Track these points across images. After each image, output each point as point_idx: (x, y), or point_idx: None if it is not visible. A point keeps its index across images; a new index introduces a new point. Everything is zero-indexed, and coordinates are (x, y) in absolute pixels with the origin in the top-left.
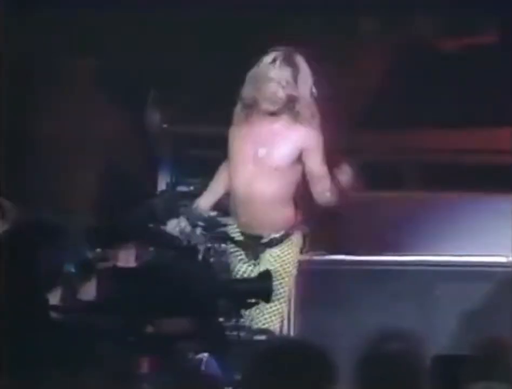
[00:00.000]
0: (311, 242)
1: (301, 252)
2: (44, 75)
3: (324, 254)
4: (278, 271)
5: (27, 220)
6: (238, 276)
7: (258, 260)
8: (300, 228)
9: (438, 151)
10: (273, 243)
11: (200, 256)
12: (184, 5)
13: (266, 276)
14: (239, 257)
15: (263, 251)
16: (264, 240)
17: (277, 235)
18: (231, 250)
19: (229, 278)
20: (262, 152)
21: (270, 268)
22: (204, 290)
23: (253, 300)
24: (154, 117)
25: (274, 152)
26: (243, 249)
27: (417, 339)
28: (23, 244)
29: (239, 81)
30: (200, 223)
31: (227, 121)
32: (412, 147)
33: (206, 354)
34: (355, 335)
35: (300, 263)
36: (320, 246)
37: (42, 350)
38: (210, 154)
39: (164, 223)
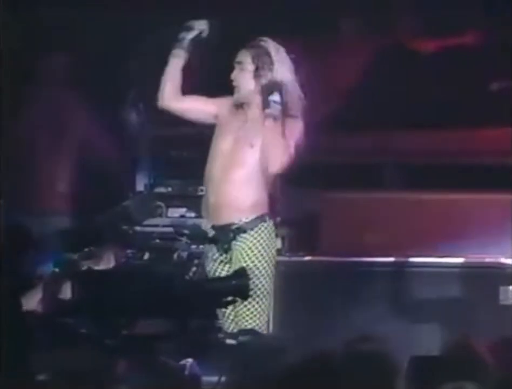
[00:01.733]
0: (293, 244)
1: (282, 253)
2: (16, 73)
3: (306, 255)
4: (253, 262)
5: (6, 222)
6: (212, 275)
7: (230, 254)
8: (271, 215)
9: (425, 151)
10: (244, 229)
11: (176, 258)
12: (170, 4)
13: (241, 273)
14: (213, 257)
15: (234, 239)
16: (235, 226)
17: (247, 220)
18: (206, 250)
19: (205, 278)
20: (239, 130)
21: (243, 261)
22: (181, 292)
23: (230, 299)
24: (134, 117)
25: (250, 128)
26: (215, 244)
27: (392, 341)
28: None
29: (221, 80)
30: (185, 231)
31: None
32: (396, 147)
33: (189, 359)
34: (335, 337)
35: (281, 264)
36: (301, 248)
37: (24, 351)
38: (190, 155)
39: (140, 225)
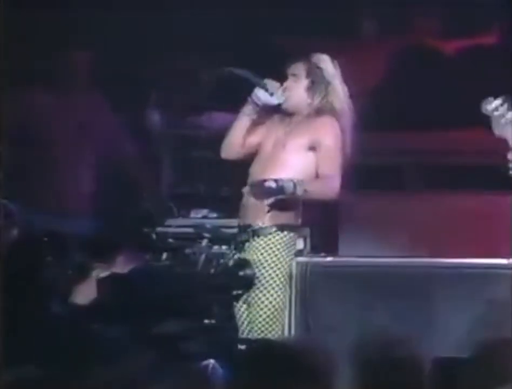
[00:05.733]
0: (313, 244)
1: (302, 254)
2: (39, 73)
3: (326, 256)
4: (265, 268)
5: (28, 227)
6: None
7: (244, 255)
8: (294, 226)
9: (440, 152)
10: (258, 233)
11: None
12: (188, 5)
13: (243, 264)
14: (233, 258)
15: (248, 241)
16: (251, 228)
17: (263, 225)
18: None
19: (211, 273)
20: (282, 133)
21: (254, 266)
22: (197, 292)
23: (237, 292)
24: (155, 118)
25: (290, 131)
26: (233, 243)
27: (417, 342)
28: (26, 252)
29: (239, 82)
30: (206, 234)
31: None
32: (413, 148)
33: (211, 360)
34: (357, 338)
35: (301, 265)
36: (321, 248)
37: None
38: (211, 156)
39: (162, 226)
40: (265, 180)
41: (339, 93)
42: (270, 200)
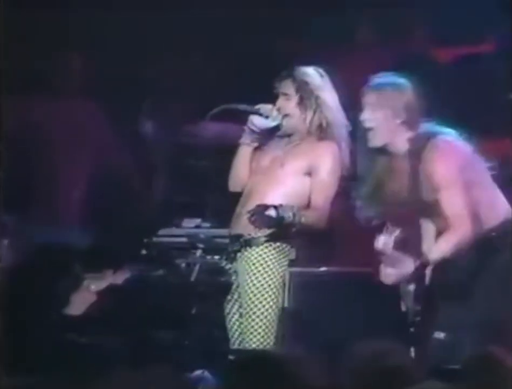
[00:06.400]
0: (304, 255)
1: (292, 264)
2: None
3: (318, 266)
4: (257, 278)
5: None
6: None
7: (235, 265)
8: (287, 236)
9: None
10: (250, 243)
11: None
12: (182, 12)
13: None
14: (225, 268)
15: (239, 251)
16: (243, 238)
17: (255, 235)
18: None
19: (199, 284)
20: (280, 151)
21: (247, 276)
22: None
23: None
24: (149, 126)
25: (288, 150)
26: (224, 253)
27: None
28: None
29: (236, 91)
30: (200, 245)
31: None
32: None
33: (202, 370)
34: (349, 348)
35: (292, 275)
36: (313, 258)
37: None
38: (205, 165)
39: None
40: (265, 207)
41: (329, 104)
42: (266, 232)
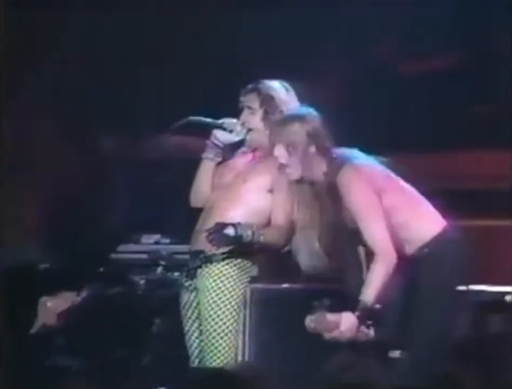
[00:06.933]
0: (264, 271)
1: (254, 280)
2: None
3: (280, 283)
4: (218, 295)
5: None
6: (182, 307)
7: (195, 282)
8: (249, 252)
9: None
10: (210, 259)
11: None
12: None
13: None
14: (185, 285)
15: (200, 267)
16: (203, 254)
17: (216, 252)
18: (178, 278)
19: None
20: (243, 167)
21: (207, 293)
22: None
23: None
24: (107, 140)
25: (251, 166)
26: (184, 270)
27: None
28: None
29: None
30: (161, 262)
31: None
32: None
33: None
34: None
35: (254, 292)
36: (273, 274)
37: None
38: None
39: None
40: (224, 226)
41: None
42: (227, 249)
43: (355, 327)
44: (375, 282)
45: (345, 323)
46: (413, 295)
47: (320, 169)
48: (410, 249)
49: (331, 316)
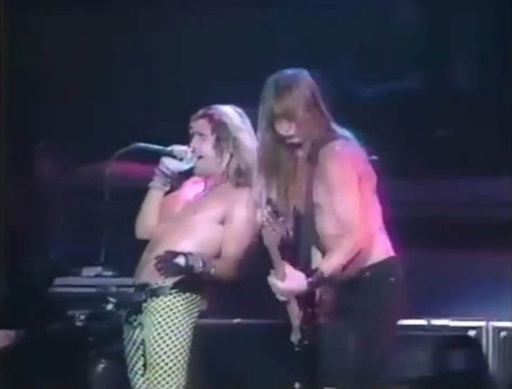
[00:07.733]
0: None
1: (203, 315)
2: None
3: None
4: (165, 331)
5: None
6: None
7: (140, 317)
8: (197, 286)
9: None
10: (156, 293)
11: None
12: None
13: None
14: (128, 320)
15: (145, 301)
16: (149, 287)
17: (163, 285)
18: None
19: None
20: (194, 197)
21: (153, 328)
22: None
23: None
24: (45, 166)
25: (203, 197)
26: (128, 306)
27: None
28: None
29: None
30: (111, 299)
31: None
32: None
33: None
34: None
35: (204, 327)
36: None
37: None
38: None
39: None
40: (174, 255)
41: (248, 146)
42: (176, 279)
43: (300, 286)
44: (338, 256)
45: (295, 277)
46: (346, 320)
47: (313, 134)
48: (351, 267)
49: (288, 267)
